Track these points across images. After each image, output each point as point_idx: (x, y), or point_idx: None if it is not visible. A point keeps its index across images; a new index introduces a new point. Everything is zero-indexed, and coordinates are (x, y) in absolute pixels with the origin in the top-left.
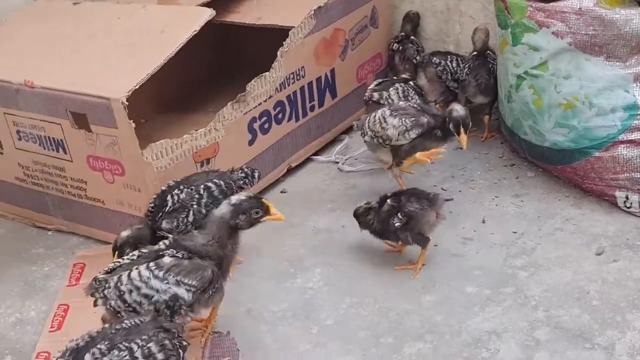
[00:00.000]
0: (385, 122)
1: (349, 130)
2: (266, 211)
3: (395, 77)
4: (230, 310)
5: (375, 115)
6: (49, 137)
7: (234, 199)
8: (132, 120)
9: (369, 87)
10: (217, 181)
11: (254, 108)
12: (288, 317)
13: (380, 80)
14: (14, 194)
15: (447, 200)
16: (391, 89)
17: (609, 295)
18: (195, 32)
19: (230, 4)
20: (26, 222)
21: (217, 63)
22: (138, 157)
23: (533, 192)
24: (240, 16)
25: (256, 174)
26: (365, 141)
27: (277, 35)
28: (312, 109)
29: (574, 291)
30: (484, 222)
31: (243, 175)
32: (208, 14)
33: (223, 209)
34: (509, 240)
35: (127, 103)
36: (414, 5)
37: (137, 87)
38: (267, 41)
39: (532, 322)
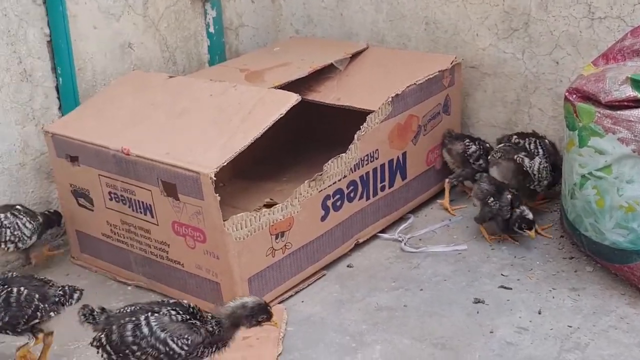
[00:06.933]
0: None
1: (415, 210)
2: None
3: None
4: None
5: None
6: (138, 201)
7: (250, 301)
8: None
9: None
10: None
11: (328, 186)
12: None
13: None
14: (99, 249)
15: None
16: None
17: None
18: (281, 116)
19: (312, 83)
20: (108, 275)
21: (293, 133)
22: (220, 227)
23: (590, 287)
24: (321, 95)
25: (75, 295)
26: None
27: (351, 114)
28: (382, 189)
29: None
30: (540, 313)
31: (61, 292)
32: (294, 99)
33: (237, 304)
34: (563, 334)
35: (215, 178)
36: (486, 94)
37: (224, 164)
38: (340, 118)
39: None
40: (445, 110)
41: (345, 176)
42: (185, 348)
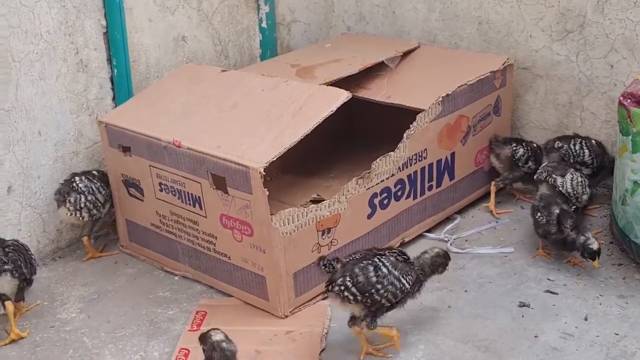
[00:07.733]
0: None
1: (462, 210)
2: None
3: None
4: None
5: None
6: (188, 193)
7: (441, 251)
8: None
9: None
10: None
11: (376, 184)
12: None
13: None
14: (147, 238)
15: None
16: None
17: None
18: (332, 112)
19: (361, 80)
20: (155, 265)
21: (341, 129)
22: (267, 222)
23: (638, 295)
24: (371, 93)
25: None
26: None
27: (401, 112)
28: (429, 188)
29: None
30: (586, 319)
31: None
32: (345, 96)
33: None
34: (609, 342)
35: (264, 173)
36: (537, 96)
37: (274, 159)
38: (390, 116)
39: None
40: (495, 112)
41: (393, 175)
42: (411, 284)
